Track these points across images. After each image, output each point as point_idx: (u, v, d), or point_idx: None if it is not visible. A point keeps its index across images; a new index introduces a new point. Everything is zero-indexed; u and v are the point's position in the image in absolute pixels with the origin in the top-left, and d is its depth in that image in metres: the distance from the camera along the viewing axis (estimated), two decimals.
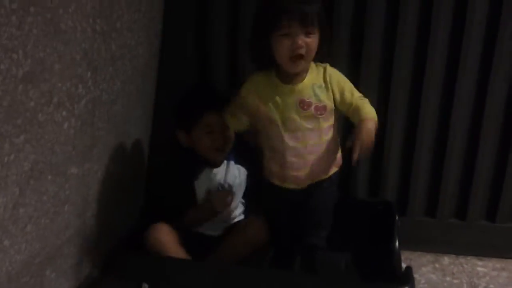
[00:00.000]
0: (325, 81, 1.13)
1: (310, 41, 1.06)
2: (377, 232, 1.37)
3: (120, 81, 1.21)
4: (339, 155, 1.23)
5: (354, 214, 1.40)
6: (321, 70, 1.14)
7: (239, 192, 1.33)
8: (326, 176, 1.20)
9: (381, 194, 1.52)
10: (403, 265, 1.21)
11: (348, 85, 1.14)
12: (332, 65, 1.16)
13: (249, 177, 1.35)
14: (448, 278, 1.43)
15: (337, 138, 1.20)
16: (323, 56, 1.13)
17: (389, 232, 1.32)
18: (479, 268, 1.49)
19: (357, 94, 1.14)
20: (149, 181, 1.47)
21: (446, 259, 1.53)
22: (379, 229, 1.36)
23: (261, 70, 1.16)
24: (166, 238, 1.21)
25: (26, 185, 0.88)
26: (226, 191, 1.29)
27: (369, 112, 1.10)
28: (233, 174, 1.32)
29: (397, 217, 1.36)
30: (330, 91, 1.13)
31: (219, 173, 1.31)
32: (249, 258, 1.22)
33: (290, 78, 1.12)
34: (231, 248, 1.23)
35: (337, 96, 1.13)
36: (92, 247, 1.21)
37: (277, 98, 1.12)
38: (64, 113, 0.97)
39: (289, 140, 1.13)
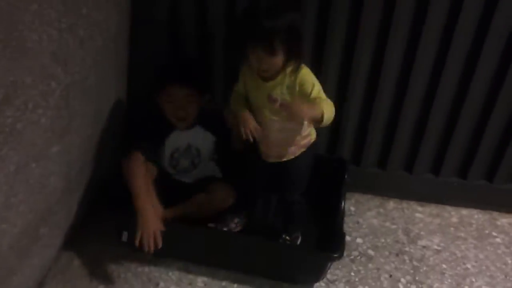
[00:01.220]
0: (294, 84, 1.21)
1: (273, 61, 1.14)
2: (329, 185, 1.58)
3: (91, 58, 1.29)
4: (308, 138, 1.38)
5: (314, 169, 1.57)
6: (293, 74, 1.21)
7: (206, 155, 1.51)
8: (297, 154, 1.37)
9: (339, 148, 1.68)
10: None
11: (315, 90, 1.21)
12: None
13: (216, 144, 1.51)
14: (387, 224, 1.67)
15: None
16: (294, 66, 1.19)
17: (338, 189, 1.54)
18: (417, 214, 1.72)
19: (322, 97, 1.22)
20: (126, 138, 1.62)
21: (391, 204, 1.76)
22: (332, 183, 1.57)
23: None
24: (137, 170, 1.37)
25: (13, 180, 1.05)
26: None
27: (321, 106, 1.17)
28: (200, 138, 1.48)
29: (346, 176, 1.56)
30: (297, 92, 1.22)
31: (187, 136, 1.47)
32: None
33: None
34: (198, 206, 1.46)
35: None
36: (79, 198, 1.43)
37: (256, 90, 1.26)
38: (40, 111, 1.09)
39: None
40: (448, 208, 1.75)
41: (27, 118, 1.04)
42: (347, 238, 1.56)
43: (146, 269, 1.45)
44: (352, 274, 1.47)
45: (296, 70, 1.19)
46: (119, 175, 1.38)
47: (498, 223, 1.70)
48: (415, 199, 1.77)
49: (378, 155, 1.70)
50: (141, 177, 1.36)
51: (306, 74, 1.22)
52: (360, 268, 1.50)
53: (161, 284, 1.41)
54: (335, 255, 1.28)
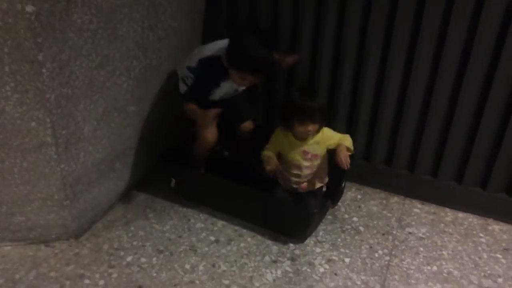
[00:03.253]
0: (320, 138, 1.76)
1: (315, 128, 1.69)
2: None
3: (166, 51, 1.86)
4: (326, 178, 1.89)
5: None
6: (320, 133, 1.75)
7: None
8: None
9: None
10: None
11: (334, 139, 1.76)
12: None
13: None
14: (384, 212, 1.97)
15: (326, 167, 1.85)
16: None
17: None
18: (415, 209, 1.99)
19: (338, 137, 1.75)
20: None
21: (395, 199, 2.05)
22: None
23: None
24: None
25: (100, 120, 1.64)
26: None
27: (345, 142, 1.73)
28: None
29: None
30: (323, 145, 1.77)
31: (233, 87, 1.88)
32: None
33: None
34: None
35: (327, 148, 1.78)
36: (146, 151, 2.00)
37: (292, 148, 1.79)
38: (123, 78, 1.67)
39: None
40: (447, 209, 1.98)
41: (114, 81, 1.62)
42: (345, 216, 1.91)
43: (184, 209, 1.96)
44: (339, 240, 1.81)
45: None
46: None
47: (490, 227, 1.89)
48: (418, 199, 2.03)
49: (385, 153, 2.02)
50: None
51: (328, 131, 1.77)
52: (347, 237, 1.82)
53: (192, 220, 1.90)
54: (313, 212, 1.65)
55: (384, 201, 2.03)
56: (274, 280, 1.63)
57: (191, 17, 1.94)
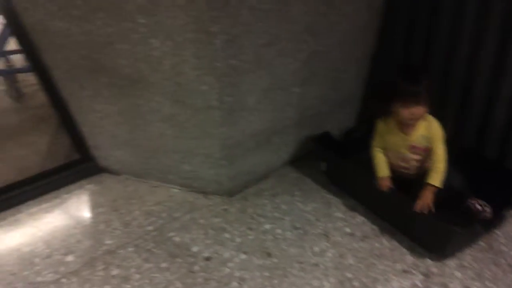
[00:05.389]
0: (427, 132, 1.67)
1: (420, 110, 1.60)
2: None
3: (336, 39, 1.89)
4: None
5: None
6: (427, 124, 1.67)
7: None
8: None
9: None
10: None
11: (439, 141, 1.66)
12: None
13: None
14: None
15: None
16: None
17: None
18: None
19: (440, 151, 1.65)
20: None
21: None
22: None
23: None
24: None
25: (262, 96, 1.78)
26: None
27: (435, 179, 1.63)
28: None
29: None
30: (429, 139, 1.68)
31: None
32: None
33: (405, 129, 1.70)
34: None
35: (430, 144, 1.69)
36: (303, 132, 2.08)
37: (397, 142, 1.74)
38: (290, 59, 1.78)
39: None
40: None
41: (281, 61, 1.74)
42: (503, 248, 1.67)
43: (329, 196, 2.00)
44: (487, 271, 1.59)
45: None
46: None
47: None
48: None
49: None
50: None
51: (437, 129, 1.67)
52: (499, 272, 1.60)
53: (333, 208, 1.93)
54: (457, 230, 1.48)
55: None
56: None
57: (369, 4, 1.92)
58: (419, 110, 1.60)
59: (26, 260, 1.71)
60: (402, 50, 2.06)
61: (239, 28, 1.50)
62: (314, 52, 1.83)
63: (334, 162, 1.97)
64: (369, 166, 1.81)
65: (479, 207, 1.64)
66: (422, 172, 1.72)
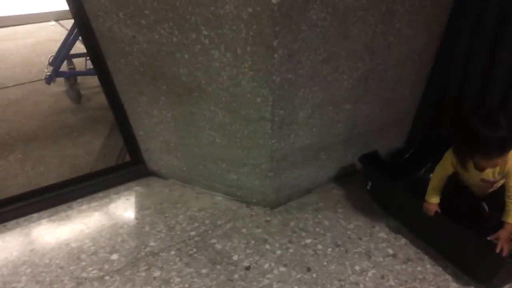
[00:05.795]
0: (502, 170, 1.58)
1: (503, 160, 1.50)
2: None
3: (395, 58, 1.88)
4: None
5: None
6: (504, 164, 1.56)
7: None
8: None
9: None
10: None
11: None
12: None
13: None
14: None
15: None
16: None
17: None
18: None
19: None
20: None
21: None
22: None
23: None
24: None
25: (313, 111, 1.79)
26: None
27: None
28: None
29: None
30: (505, 174, 1.59)
31: None
32: None
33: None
34: None
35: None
36: (351, 150, 2.08)
37: (469, 174, 1.67)
38: (345, 76, 1.78)
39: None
40: None
41: (335, 77, 1.75)
42: None
43: (373, 215, 1.98)
44: None
45: None
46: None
47: None
48: None
49: None
50: None
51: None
52: None
53: (377, 228, 1.91)
54: (509, 260, 1.43)
55: None
56: None
57: (429, 28, 1.90)
58: (503, 159, 1.49)
59: (74, 255, 1.78)
60: (458, 76, 2.02)
61: (299, 43, 1.52)
62: (370, 70, 1.83)
63: (380, 182, 1.95)
64: (416, 188, 1.78)
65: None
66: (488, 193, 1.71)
